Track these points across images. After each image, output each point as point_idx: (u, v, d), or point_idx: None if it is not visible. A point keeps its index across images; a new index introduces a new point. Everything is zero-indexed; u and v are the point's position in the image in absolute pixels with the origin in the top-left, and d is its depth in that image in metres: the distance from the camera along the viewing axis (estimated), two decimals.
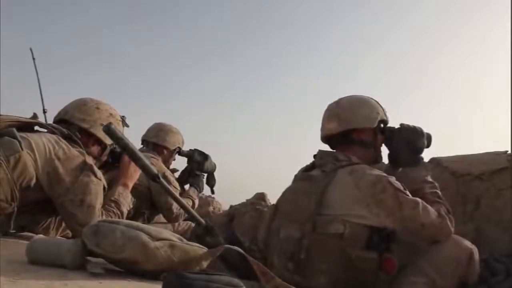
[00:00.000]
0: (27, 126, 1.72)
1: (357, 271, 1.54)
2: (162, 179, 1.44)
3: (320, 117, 1.93)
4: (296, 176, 1.87)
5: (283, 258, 1.63)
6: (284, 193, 1.85)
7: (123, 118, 2.10)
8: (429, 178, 1.77)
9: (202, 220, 1.57)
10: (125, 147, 1.40)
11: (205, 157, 3.11)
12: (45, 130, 1.77)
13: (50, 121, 1.98)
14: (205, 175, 3.15)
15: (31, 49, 2.95)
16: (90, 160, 1.76)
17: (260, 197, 3.44)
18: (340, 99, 1.87)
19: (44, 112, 2.68)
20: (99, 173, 1.76)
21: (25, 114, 1.79)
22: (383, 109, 1.87)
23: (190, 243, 1.16)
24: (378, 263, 1.54)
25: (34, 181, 1.58)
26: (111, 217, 1.75)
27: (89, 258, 1.14)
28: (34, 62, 2.91)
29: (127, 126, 2.19)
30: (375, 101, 1.87)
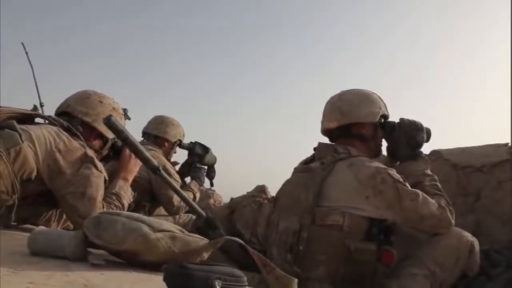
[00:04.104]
0: (27, 118, 1.72)
1: (355, 262, 1.55)
2: (163, 172, 1.44)
3: (320, 111, 1.93)
4: (295, 168, 1.88)
5: (282, 250, 1.63)
6: (283, 186, 1.85)
7: (125, 111, 2.09)
8: (429, 171, 1.78)
9: (203, 213, 1.58)
10: (126, 140, 1.40)
11: (206, 150, 3.11)
12: (46, 122, 1.76)
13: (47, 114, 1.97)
14: (206, 168, 3.16)
15: (22, 44, 2.94)
16: (91, 152, 1.76)
17: (261, 189, 3.43)
18: (343, 93, 1.86)
19: (41, 105, 2.67)
20: (100, 165, 1.75)
21: (30, 107, 1.79)
22: (384, 104, 1.87)
23: (191, 234, 1.16)
24: (376, 255, 1.55)
25: (34, 173, 1.58)
26: (112, 210, 1.75)
27: (90, 249, 1.14)
28: (27, 56, 2.90)
29: (129, 119, 2.18)
30: (377, 95, 1.87)
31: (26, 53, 2.90)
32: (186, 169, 3.10)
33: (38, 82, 2.79)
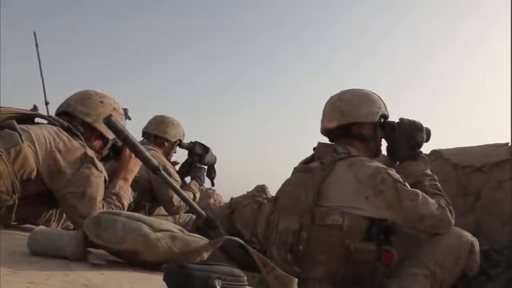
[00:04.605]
0: (27, 118, 1.72)
1: (355, 262, 1.55)
2: (163, 172, 1.44)
3: (320, 111, 1.93)
4: (295, 168, 1.88)
5: (282, 250, 1.63)
6: (283, 185, 1.85)
7: (125, 111, 2.09)
8: (428, 171, 1.78)
9: (203, 212, 1.57)
10: (126, 140, 1.40)
11: (205, 149, 3.11)
12: (46, 122, 1.76)
13: (52, 113, 1.96)
14: (206, 167, 3.16)
15: (34, 33, 2.79)
16: (91, 152, 1.76)
17: (261, 189, 3.44)
18: (342, 93, 1.87)
19: (46, 103, 2.65)
20: (100, 165, 1.75)
21: (30, 107, 1.79)
22: (384, 104, 1.87)
23: (191, 234, 1.16)
24: (376, 254, 1.55)
25: (34, 173, 1.58)
26: (112, 209, 1.75)
27: (90, 249, 1.14)
28: (37, 49, 2.76)
29: (129, 118, 2.18)
30: (377, 95, 1.87)
31: (37, 45, 2.78)
32: (186, 169, 3.10)
33: (38, 81, 2.75)
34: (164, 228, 1.10)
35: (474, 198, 2.48)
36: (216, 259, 1.19)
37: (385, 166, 1.64)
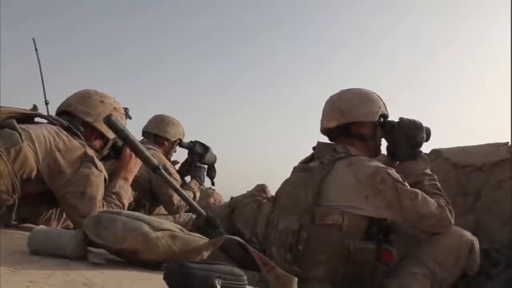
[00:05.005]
0: (27, 118, 1.72)
1: (355, 262, 1.55)
2: (163, 171, 1.44)
3: (320, 111, 1.93)
4: (295, 168, 1.88)
5: (282, 250, 1.63)
6: (282, 185, 1.85)
7: (126, 110, 2.09)
8: (428, 171, 1.78)
9: (203, 212, 1.57)
10: (126, 139, 1.40)
11: (205, 149, 3.11)
12: (46, 121, 1.76)
13: (52, 112, 1.96)
14: (206, 167, 3.16)
15: (33, 40, 2.89)
16: (91, 151, 1.76)
17: (261, 188, 3.43)
18: (342, 92, 1.86)
19: (46, 103, 2.67)
20: (100, 164, 1.75)
21: (30, 107, 1.79)
22: (383, 103, 1.87)
23: (191, 233, 1.17)
24: (376, 254, 1.55)
25: (34, 173, 1.58)
26: (113, 209, 1.75)
27: (90, 248, 1.14)
28: (36, 53, 2.85)
29: (130, 118, 2.18)
30: (376, 95, 1.87)
31: (36, 49, 2.87)
32: (186, 168, 3.10)
33: (38, 81, 2.78)
34: (164, 227, 1.11)
35: (474, 198, 2.49)
36: (216, 258, 1.20)
37: (384, 166, 1.64)
